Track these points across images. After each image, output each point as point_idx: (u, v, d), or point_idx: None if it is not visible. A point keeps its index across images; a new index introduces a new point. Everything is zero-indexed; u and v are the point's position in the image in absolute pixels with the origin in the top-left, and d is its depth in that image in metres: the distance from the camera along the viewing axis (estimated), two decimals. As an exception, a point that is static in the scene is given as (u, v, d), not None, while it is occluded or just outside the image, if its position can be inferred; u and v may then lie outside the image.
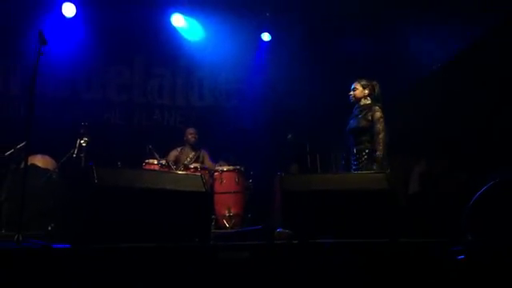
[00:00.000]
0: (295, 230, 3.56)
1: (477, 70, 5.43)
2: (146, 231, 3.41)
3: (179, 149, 6.77)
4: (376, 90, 4.97)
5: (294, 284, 3.12)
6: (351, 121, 4.98)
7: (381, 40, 6.62)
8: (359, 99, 4.99)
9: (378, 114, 4.78)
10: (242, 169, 6.29)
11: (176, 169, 6.18)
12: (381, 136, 4.68)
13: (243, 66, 7.95)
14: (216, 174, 6.20)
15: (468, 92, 5.49)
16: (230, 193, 6.07)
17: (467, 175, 5.36)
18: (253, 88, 8.02)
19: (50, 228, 5.06)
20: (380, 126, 4.72)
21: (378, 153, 4.64)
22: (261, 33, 7.91)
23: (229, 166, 6.33)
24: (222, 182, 6.12)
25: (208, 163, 6.60)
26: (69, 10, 6.97)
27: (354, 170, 4.77)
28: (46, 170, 5.57)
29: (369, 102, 4.94)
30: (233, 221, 5.93)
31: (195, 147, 6.77)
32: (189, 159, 6.56)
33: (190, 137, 6.78)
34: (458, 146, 5.65)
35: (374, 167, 4.59)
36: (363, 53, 6.72)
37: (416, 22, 6.17)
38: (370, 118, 4.80)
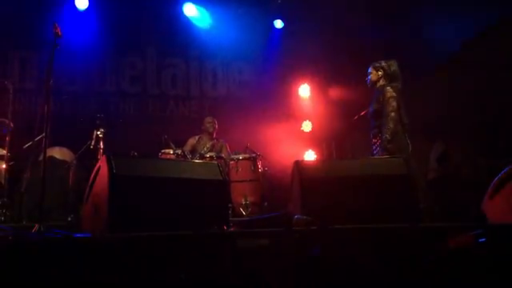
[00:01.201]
0: (314, 216, 3.54)
1: (498, 54, 5.34)
2: (164, 220, 3.42)
3: (197, 137, 6.75)
4: (391, 69, 4.85)
5: (314, 270, 3.11)
6: (370, 105, 4.93)
7: (397, 24, 6.51)
8: (375, 82, 4.93)
9: (388, 95, 4.66)
10: (258, 157, 6.28)
11: (192, 158, 6.19)
12: (388, 118, 4.55)
13: (255, 54, 7.92)
14: (232, 162, 6.20)
15: (487, 76, 5.41)
16: (246, 181, 6.07)
17: (487, 160, 5.30)
18: (266, 76, 7.99)
19: (69, 219, 5.13)
20: (389, 107, 4.59)
21: (384, 135, 4.54)
22: (273, 20, 7.87)
23: (245, 154, 6.32)
24: (237, 170, 6.12)
25: (226, 154, 6.54)
26: (81, 3, 7.01)
27: (374, 154, 4.72)
28: (64, 162, 5.63)
29: (383, 83, 4.86)
30: (249, 209, 5.94)
31: (213, 137, 6.75)
32: (206, 149, 6.55)
33: (208, 125, 6.74)
34: (477, 131, 5.58)
35: (380, 151, 4.53)
36: (380, 37, 6.62)
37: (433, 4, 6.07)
38: (381, 99, 4.72)
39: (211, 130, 6.72)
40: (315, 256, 3.07)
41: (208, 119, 6.82)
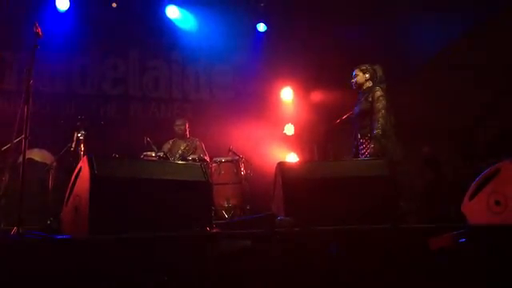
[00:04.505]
0: (296, 217, 3.55)
1: (479, 55, 5.44)
2: (147, 221, 3.39)
3: (171, 141, 6.66)
4: (378, 73, 4.90)
5: (296, 272, 3.11)
6: (355, 107, 4.94)
7: (380, 26, 6.56)
8: (361, 84, 4.94)
9: (378, 94, 4.71)
10: (241, 160, 6.27)
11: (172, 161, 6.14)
12: (379, 114, 4.60)
13: (238, 57, 7.91)
14: (214, 165, 6.18)
15: (467, 78, 5.50)
16: (228, 184, 6.07)
17: (466, 163, 5.38)
18: (248, 80, 8.00)
19: (49, 222, 5.04)
20: (379, 105, 4.64)
21: (375, 131, 4.57)
22: (256, 23, 7.90)
23: (227, 157, 6.31)
24: (220, 173, 6.11)
25: (201, 152, 6.47)
26: (62, 4, 6.93)
27: (362, 155, 4.73)
28: (43, 164, 5.55)
29: (370, 85, 4.89)
30: (232, 212, 5.94)
31: (186, 138, 6.66)
32: (180, 151, 6.46)
33: (176, 129, 6.65)
34: (457, 133, 5.67)
35: (372, 145, 4.54)
36: (363, 40, 6.66)
37: (416, 7, 6.15)
38: (370, 99, 4.75)
39: (179, 132, 6.61)
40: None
41: (177, 122, 6.72)
